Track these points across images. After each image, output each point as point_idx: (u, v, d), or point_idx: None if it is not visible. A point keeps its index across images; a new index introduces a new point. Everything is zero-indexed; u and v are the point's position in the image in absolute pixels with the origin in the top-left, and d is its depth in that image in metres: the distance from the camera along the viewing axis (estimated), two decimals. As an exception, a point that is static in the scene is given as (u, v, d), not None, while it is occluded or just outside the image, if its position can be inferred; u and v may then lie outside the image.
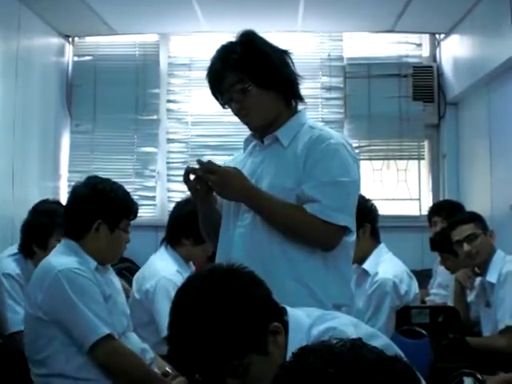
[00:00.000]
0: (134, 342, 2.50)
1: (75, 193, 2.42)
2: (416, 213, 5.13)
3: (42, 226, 2.94)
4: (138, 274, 3.13)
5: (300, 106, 2.26)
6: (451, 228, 3.31)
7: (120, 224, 2.40)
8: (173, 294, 2.89)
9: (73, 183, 4.92)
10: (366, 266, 3.19)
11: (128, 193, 2.50)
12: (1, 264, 2.95)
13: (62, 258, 2.31)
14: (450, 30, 4.88)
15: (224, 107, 2.21)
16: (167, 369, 2.56)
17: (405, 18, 4.67)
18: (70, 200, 2.43)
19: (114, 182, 2.48)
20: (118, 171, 5.17)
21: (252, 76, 2.11)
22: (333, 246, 2.09)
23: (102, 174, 5.16)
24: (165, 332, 2.79)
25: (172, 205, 5.16)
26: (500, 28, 3.85)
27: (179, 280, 2.97)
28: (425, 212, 5.09)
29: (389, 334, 3.02)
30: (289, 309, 1.66)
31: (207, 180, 2.07)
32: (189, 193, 2.20)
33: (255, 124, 2.19)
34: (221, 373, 1.43)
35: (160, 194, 5.20)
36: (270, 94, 2.15)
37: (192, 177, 2.11)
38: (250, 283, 1.53)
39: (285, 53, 2.20)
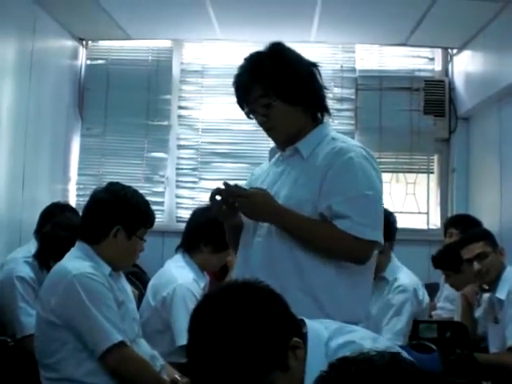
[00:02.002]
0: (144, 348, 2.50)
1: (96, 197, 2.42)
2: (424, 226, 5.13)
3: (62, 242, 2.82)
4: (153, 281, 3.11)
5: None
6: (461, 245, 3.30)
7: (138, 232, 2.42)
8: (189, 302, 2.95)
9: (82, 186, 5.09)
10: (385, 273, 3.24)
11: (147, 202, 2.52)
12: (15, 267, 2.94)
13: (76, 262, 2.32)
14: (463, 46, 4.88)
15: (249, 117, 2.22)
16: (176, 376, 2.56)
17: (418, 32, 4.68)
18: (89, 204, 2.44)
19: (135, 190, 2.50)
20: (127, 176, 5.16)
21: (278, 91, 2.11)
22: (365, 260, 2.09)
23: (112, 178, 5.24)
24: (180, 341, 2.84)
25: (180, 211, 5.21)
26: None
27: (196, 288, 2.98)
28: (433, 226, 5.11)
29: (406, 339, 3.06)
30: (307, 320, 1.66)
31: (234, 202, 2.08)
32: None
33: (278, 138, 2.22)
34: None
35: (168, 199, 5.20)
36: (296, 109, 2.15)
37: (218, 197, 2.11)
38: (267, 299, 1.51)
39: (313, 65, 2.20)
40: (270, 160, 2.33)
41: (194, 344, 1.46)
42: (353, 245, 2.03)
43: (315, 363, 1.55)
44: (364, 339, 1.61)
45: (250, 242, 2.18)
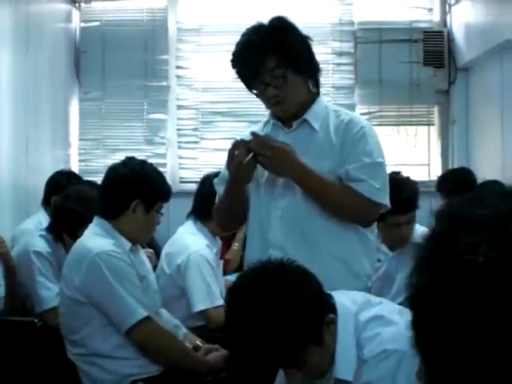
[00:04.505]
0: (167, 318, 2.56)
1: (114, 172, 2.43)
2: (425, 178, 5.16)
3: (74, 214, 2.85)
4: (166, 249, 3.16)
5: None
6: None
7: (155, 205, 2.44)
8: (203, 268, 3.02)
9: (83, 151, 5.07)
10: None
11: (164, 176, 2.54)
12: (31, 241, 2.96)
13: (97, 240, 2.34)
14: (462, -5, 4.83)
15: (251, 90, 2.24)
16: (198, 342, 2.63)
17: (417, -17, 4.62)
18: (108, 179, 2.44)
19: (151, 164, 2.52)
20: (127, 138, 5.19)
21: (291, 61, 2.16)
22: (371, 222, 2.26)
23: (112, 142, 5.25)
24: (196, 307, 2.91)
25: (183, 171, 5.22)
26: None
27: (209, 254, 3.04)
28: (434, 177, 5.14)
29: None
30: (334, 294, 1.71)
31: (262, 155, 2.11)
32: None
33: (288, 111, 2.23)
34: (282, 366, 1.49)
35: (171, 161, 5.19)
36: (304, 79, 2.22)
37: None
38: (302, 278, 1.57)
39: (308, 38, 2.25)
40: (262, 130, 2.33)
41: (234, 323, 1.51)
42: (365, 206, 2.16)
43: (345, 336, 1.62)
44: (391, 313, 1.67)
45: (264, 215, 2.22)
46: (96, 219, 2.44)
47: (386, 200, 2.18)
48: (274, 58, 2.14)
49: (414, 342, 0.76)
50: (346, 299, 1.71)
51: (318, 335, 1.52)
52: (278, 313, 1.47)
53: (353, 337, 1.62)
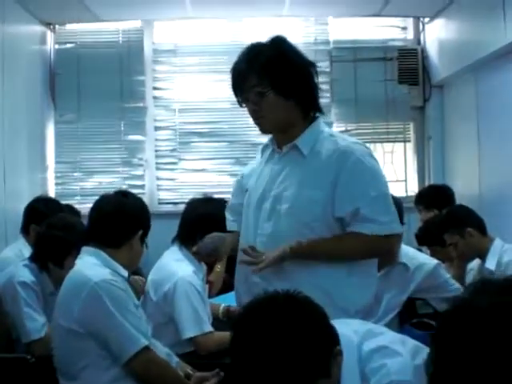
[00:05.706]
0: (159, 347, 2.52)
1: (117, 203, 2.41)
2: (402, 194, 5.22)
3: (58, 242, 2.84)
4: (152, 276, 3.12)
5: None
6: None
7: (147, 234, 2.46)
8: (191, 295, 2.98)
9: (59, 174, 5.01)
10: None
11: None
12: (15, 272, 2.91)
13: (95, 269, 2.30)
14: (435, 14, 4.90)
15: (241, 106, 2.26)
16: (188, 370, 2.60)
17: (391, 3, 4.68)
18: (110, 210, 2.40)
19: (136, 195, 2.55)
20: (105, 160, 5.16)
21: (273, 82, 2.15)
22: (395, 252, 2.21)
23: (90, 164, 5.20)
24: (185, 334, 2.88)
25: (161, 193, 5.20)
26: (491, 14, 3.85)
27: (196, 281, 3.01)
28: (411, 193, 5.21)
29: None
30: (335, 324, 1.71)
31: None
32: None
33: (266, 128, 2.25)
34: None
35: (149, 182, 5.18)
36: (288, 103, 2.17)
37: None
38: (311, 310, 1.55)
39: (311, 64, 2.23)
40: (261, 156, 2.35)
41: (241, 357, 1.48)
42: (383, 243, 2.16)
43: (349, 368, 1.61)
44: (394, 343, 1.67)
45: (251, 243, 2.20)
46: (88, 249, 2.40)
47: (397, 228, 2.18)
48: (255, 76, 2.15)
49: None
50: (347, 329, 1.70)
51: (326, 368, 1.51)
52: (291, 348, 1.45)
53: (357, 368, 1.61)
